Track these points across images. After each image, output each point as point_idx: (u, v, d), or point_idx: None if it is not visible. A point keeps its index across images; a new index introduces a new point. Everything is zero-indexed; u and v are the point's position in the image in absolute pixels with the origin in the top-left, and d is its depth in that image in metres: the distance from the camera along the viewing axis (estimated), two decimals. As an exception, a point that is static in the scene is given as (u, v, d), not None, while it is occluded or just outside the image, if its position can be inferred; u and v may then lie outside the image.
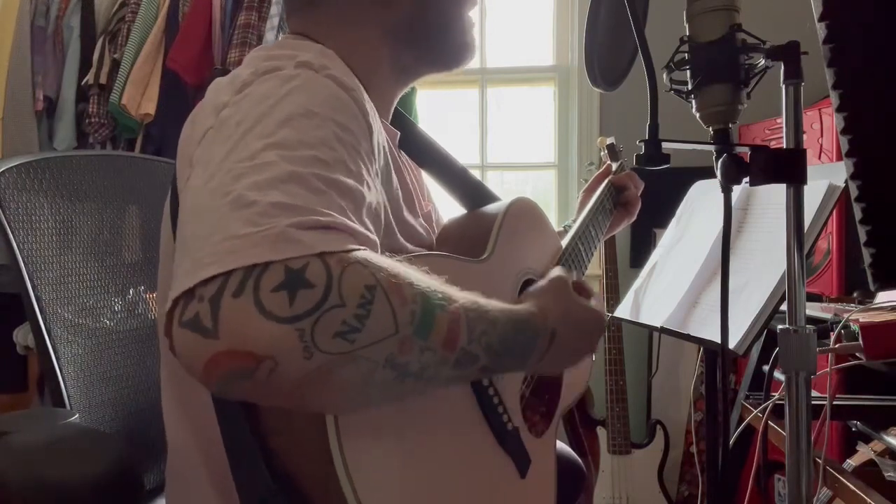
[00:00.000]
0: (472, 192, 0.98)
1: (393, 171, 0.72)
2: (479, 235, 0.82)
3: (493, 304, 0.60)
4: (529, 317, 0.65)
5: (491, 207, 0.91)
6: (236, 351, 0.45)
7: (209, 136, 0.58)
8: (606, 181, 1.21)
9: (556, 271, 0.76)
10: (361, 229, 0.53)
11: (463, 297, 0.57)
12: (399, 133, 0.82)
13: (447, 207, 0.98)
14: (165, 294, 0.71)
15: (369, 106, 0.64)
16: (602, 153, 1.38)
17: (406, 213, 0.75)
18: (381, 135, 0.67)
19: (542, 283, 0.74)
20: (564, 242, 1.00)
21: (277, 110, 0.56)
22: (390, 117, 0.84)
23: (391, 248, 0.68)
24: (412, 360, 0.52)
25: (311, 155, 0.53)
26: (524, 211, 0.90)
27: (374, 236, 0.55)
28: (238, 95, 0.59)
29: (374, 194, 0.61)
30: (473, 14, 0.85)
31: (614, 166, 1.28)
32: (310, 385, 0.48)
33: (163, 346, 0.74)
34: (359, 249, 0.51)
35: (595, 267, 2.24)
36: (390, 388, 0.53)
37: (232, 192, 0.50)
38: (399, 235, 0.71)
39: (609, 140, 1.35)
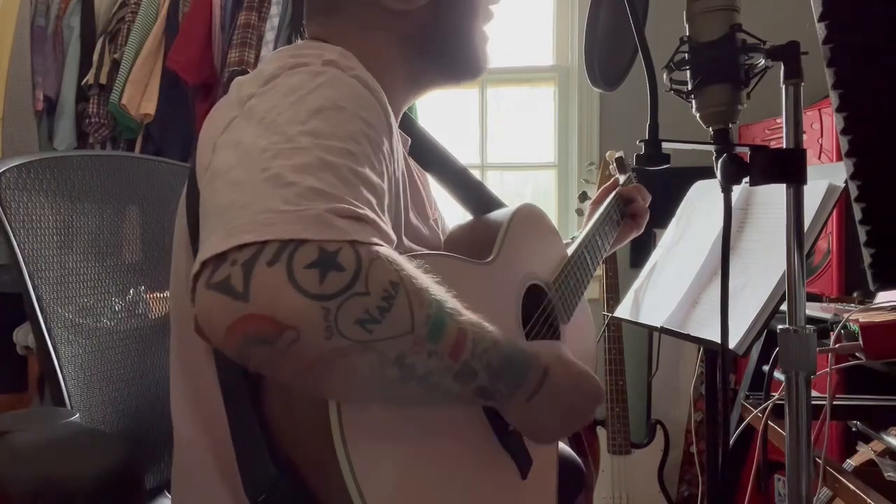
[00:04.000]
0: (478, 198, 0.98)
1: (405, 174, 0.73)
2: (485, 240, 0.83)
3: (494, 327, 0.62)
4: (525, 347, 0.67)
5: (497, 213, 0.91)
6: (264, 315, 0.47)
7: (235, 123, 0.59)
8: (614, 193, 1.21)
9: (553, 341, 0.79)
10: (385, 227, 0.55)
11: (468, 313, 0.58)
12: (410, 140, 0.83)
13: (453, 213, 0.99)
14: (179, 283, 0.71)
15: (389, 108, 0.65)
16: (611, 166, 1.39)
17: (413, 217, 0.76)
18: (398, 137, 0.69)
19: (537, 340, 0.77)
20: (570, 250, 1.01)
21: (308, 101, 0.57)
22: (398, 123, 0.85)
23: (398, 249, 0.68)
24: (419, 363, 0.53)
25: (342, 147, 0.55)
26: (530, 217, 0.91)
27: (393, 234, 0.57)
28: (265, 87, 0.61)
29: (388, 194, 0.62)
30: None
31: (622, 179, 1.29)
32: (322, 366, 0.50)
33: (175, 336, 0.74)
34: (383, 245, 0.53)
35: (595, 267, 2.24)
36: (392, 388, 0.54)
37: (270, 169, 0.52)
38: (405, 237, 0.71)
39: (618, 154, 1.36)
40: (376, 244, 0.51)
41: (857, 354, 1.05)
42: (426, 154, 0.96)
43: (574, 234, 1.24)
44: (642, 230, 1.26)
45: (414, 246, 0.72)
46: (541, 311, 0.87)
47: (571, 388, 0.72)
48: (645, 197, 1.24)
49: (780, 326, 0.74)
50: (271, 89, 0.60)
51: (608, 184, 1.28)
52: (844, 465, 1.16)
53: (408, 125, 0.90)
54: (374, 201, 0.55)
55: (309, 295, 0.47)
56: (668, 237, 1.37)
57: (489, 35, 0.85)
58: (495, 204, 0.98)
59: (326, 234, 0.49)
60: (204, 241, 0.51)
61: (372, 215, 0.53)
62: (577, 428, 0.77)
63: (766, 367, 1.14)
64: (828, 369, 1.01)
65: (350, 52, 0.69)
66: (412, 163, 0.87)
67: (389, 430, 0.59)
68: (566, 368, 0.71)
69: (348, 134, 0.57)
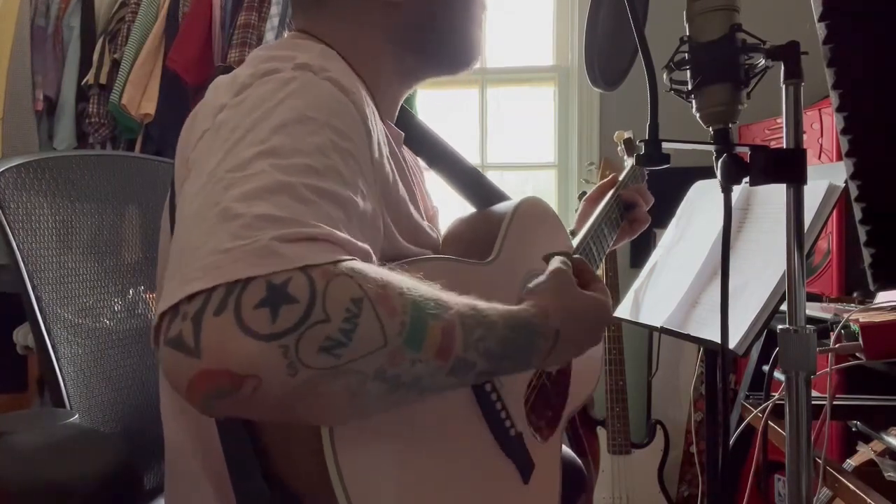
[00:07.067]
0: (480, 190, 0.97)
1: (396, 174, 0.71)
2: (487, 236, 0.82)
3: (492, 306, 0.59)
4: (530, 318, 0.63)
5: (500, 207, 0.90)
6: (217, 370, 0.44)
7: (206, 138, 0.58)
8: (613, 193, 1.15)
9: (556, 263, 0.72)
10: (350, 238, 0.52)
11: (459, 302, 0.56)
12: (403, 134, 0.81)
13: (455, 205, 0.98)
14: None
15: (369, 109, 0.63)
16: (619, 147, 1.34)
17: (413, 215, 0.74)
18: (381, 137, 0.67)
19: (542, 279, 0.70)
20: (575, 242, 0.99)
21: (273, 116, 0.55)
22: (395, 117, 0.84)
23: (394, 252, 0.67)
24: (403, 372, 0.51)
25: (304, 163, 0.53)
26: (533, 210, 0.89)
27: (364, 245, 0.54)
28: (236, 98, 0.59)
29: (369, 201, 0.60)
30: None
31: (630, 162, 1.25)
32: (297, 399, 0.47)
33: None
34: (345, 259, 0.50)
35: (595, 267, 2.24)
36: (382, 399, 0.52)
37: (220, 204, 0.49)
38: (401, 238, 0.69)
39: (627, 134, 1.31)
40: (337, 261, 0.49)
41: (857, 354, 1.05)
42: (424, 147, 0.94)
43: (571, 228, 1.22)
44: (636, 236, 1.20)
45: (412, 248, 0.71)
46: None
47: (582, 330, 0.69)
48: (647, 200, 1.17)
49: (780, 326, 0.73)
50: (240, 103, 0.58)
51: (606, 180, 1.21)
52: (844, 465, 1.16)
53: (404, 118, 0.88)
54: (339, 215, 0.53)
55: (261, 337, 0.44)
56: (668, 237, 1.37)
57: (482, 22, 0.83)
58: (497, 195, 0.96)
59: (273, 265, 0.46)
60: (163, 288, 0.49)
61: (329, 230, 0.50)
62: (590, 347, 0.72)
63: (766, 367, 1.14)
64: (828, 369, 1.01)
65: (337, 46, 0.68)
66: (408, 156, 0.85)
67: (383, 442, 0.58)
68: (576, 317, 0.68)
69: (313, 147, 0.54)
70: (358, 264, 0.50)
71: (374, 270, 0.51)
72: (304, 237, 0.48)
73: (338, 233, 0.51)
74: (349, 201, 0.55)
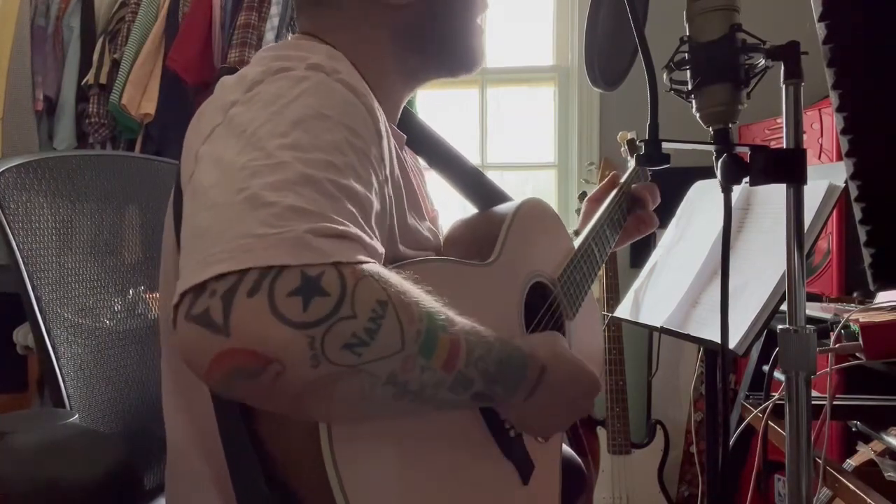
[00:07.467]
0: (481, 190, 0.97)
1: (399, 176, 0.72)
2: (488, 237, 0.82)
3: (489, 330, 0.61)
4: (521, 346, 0.66)
5: (501, 208, 0.90)
6: (245, 350, 0.45)
7: (217, 132, 0.58)
8: (615, 193, 1.14)
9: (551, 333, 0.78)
10: (370, 240, 0.53)
11: (462, 320, 0.57)
12: (406, 136, 0.81)
13: (456, 206, 0.97)
14: (167, 290, 0.71)
15: (379, 112, 0.64)
16: (622, 148, 1.34)
17: (410, 218, 0.74)
18: (389, 140, 0.67)
19: (535, 334, 0.75)
20: (577, 243, 0.99)
21: (290, 111, 0.56)
22: (397, 119, 0.84)
23: (391, 255, 0.68)
24: (412, 379, 0.52)
25: (325, 159, 0.53)
26: (535, 212, 0.90)
27: (381, 247, 0.55)
28: (248, 94, 0.59)
29: (380, 201, 0.61)
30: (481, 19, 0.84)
31: (632, 163, 1.25)
32: (312, 392, 0.48)
33: (164, 344, 0.74)
34: (369, 262, 0.51)
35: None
36: (386, 405, 0.53)
37: (247, 190, 0.50)
38: (399, 243, 0.70)
39: (630, 135, 1.32)
40: (362, 262, 0.50)
41: (857, 354, 1.05)
42: (427, 148, 0.94)
43: (575, 228, 1.22)
44: (642, 236, 1.20)
45: (410, 252, 0.71)
46: (545, 309, 0.87)
47: (569, 382, 0.72)
48: (655, 199, 1.16)
49: (780, 326, 0.73)
50: (253, 98, 0.58)
51: (607, 180, 1.21)
52: (844, 465, 1.16)
53: (407, 119, 0.88)
54: (358, 214, 0.53)
55: (292, 324, 0.45)
56: (668, 237, 1.37)
57: (483, 27, 0.83)
58: (498, 195, 0.96)
59: (308, 257, 0.47)
60: (182, 268, 0.49)
61: (356, 231, 0.52)
62: (576, 419, 0.76)
63: (766, 367, 1.14)
64: (828, 369, 1.01)
65: (341, 48, 0.68)
66: (409, 159, 0.85)
67: (382, 443, 0.58)
68: (563, 364, 0.71)
69: (331, 144, 0.55)
70: (381, 268, 0.52)
71: (394, 277, 0.52)
72: (334, 233, 0.50)
73: (361, 233, 0.52)
74: (365, 199, 0.56)
